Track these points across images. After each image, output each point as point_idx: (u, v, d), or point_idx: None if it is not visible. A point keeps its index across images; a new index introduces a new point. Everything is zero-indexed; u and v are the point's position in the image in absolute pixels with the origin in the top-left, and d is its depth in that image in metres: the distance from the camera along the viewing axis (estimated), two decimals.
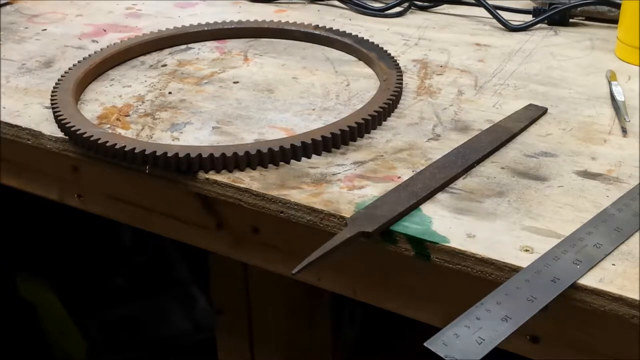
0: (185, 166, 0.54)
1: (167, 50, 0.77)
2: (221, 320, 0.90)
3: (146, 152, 0.54)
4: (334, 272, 0.55)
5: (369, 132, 0.59)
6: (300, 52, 0.76)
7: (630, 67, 0.70)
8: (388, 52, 0.71)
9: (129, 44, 0.75)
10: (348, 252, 0.47)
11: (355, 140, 0.58)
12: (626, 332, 0.43)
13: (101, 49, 0.74)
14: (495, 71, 0.70)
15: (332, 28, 0.77)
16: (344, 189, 0.51)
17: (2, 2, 0.93)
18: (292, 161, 0.55)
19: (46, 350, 1.25)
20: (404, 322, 0.58)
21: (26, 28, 0.85)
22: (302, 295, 0.86)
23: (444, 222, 0.48)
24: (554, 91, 0.66)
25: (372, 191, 0.51)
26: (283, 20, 0.80)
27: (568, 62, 0.72)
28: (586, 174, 0.53)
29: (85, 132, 0.57)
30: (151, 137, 0.59)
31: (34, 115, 0.64)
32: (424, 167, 0.53)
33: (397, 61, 0.69)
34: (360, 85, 0.68)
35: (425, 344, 0.39)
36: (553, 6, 0.81)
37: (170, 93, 0.67)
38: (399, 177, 0.52)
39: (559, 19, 0.81)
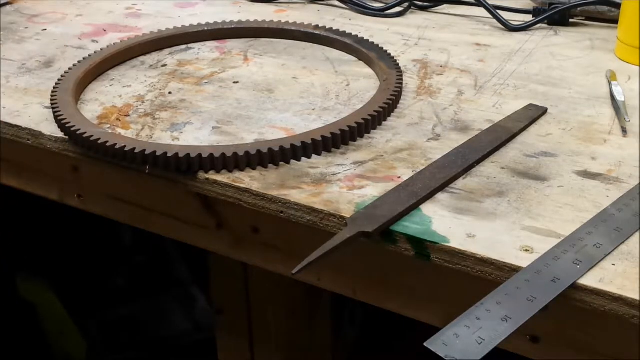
0: (185, 166, 0.54)
1: (167, 50, 0.77)
2: (221, 320, 0.90)
3: (146, 152, 0.54)
4: (334, 272, 0.55)
5: (369, 132, 0.59)
6: (300, 52, 0.76)
7: (630, 67, 0.70)
8: (388, 52, 0.71)
9: (129, 44, 0.75)
10: (348, 252, 0.47)
11: (355, 140, 0.58)
12: (626, 332, 0.43)
13: (101, 49, 0.74)
14: (495, 71, 0.70)
15: (332, 28, 0.77)
16: (344, 189, 0.51)
17: (2, 2, 0.93)
18: (292, 161, 0.55)
19: (46, 350, 1.25)
20: (404, 322, 0.58)
21: (26, 28, 0.85)
22: (302, 295, 0.86)
23: (444, 222, 0.48)
24: (554, 91, 0.66)
25: (372, 191, 0.51)
26: (283, 20, 0.80)
27: (568, 62, 0.72)
28: (586, 174, 0.53)
29: (85, 132, 0.57)
30: (151, 137, 0.59)
31: (34, 115, 0.64)
32: (424, 167, 0.53)
33: (397, 61, 0.69)
34: (360, 85, 0.68)
35: (425, 344, 0.39)
36: (553, 6, 0.81)
37: (170, 93, 0.67)
38: (399, 177, 0.52)
39: (559, 19, 0.81)
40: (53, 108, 0.62)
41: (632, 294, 0.41)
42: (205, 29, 0.79)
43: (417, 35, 0.80)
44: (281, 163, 0.55)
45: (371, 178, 0.53)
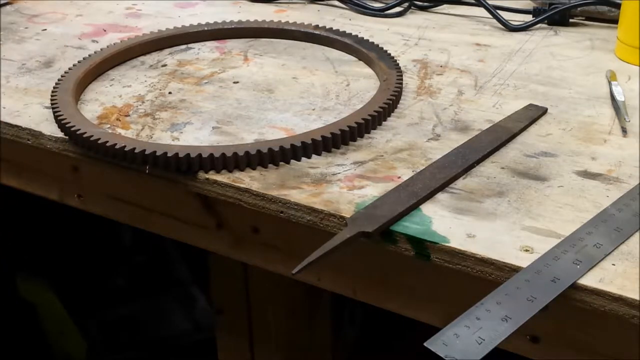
0: (185, 166, 0.54)
1: (167, 50, 0.77)
2: (221, 320, 0.90)
3: (146, 152, 0.54)
4: (334, 272, 0.55)
5: (369, 132, 0.59)
6: (300, 52, 0.76)
7: (630, 67, 0.70)
8: (388, 52, 0.71)
9: (129, 44, 0.75)
10: (348, 252, 0.47)
11: (355, 140, 0.58)
12: (626, 332, 0.43)
13: (101, 49, 0.74)
14: (495, 71, 0.70)
15: (332, 28, 0.77)
16: (344, 189, 0.51)
17: (2, 2, 0.93)
18: (292, 161, 0.55)
19: (46, 350, 1.25)
20: (404, 322, 0.58)
21: (26, 28, 0.85)
22: (302, 295, 0.86)
23: (444, 222, 0.48)
24: (554, 91, 0.66)
25: (372, 191, 0.51)
26: (283, 20, 0.80)
27: (568, 62, 0.72)
28: (586, 174, 0.53)
29: (85, 132, 0.57)
30: (151, 137, 0.59)
31: (34, 115, 0.64)
32: (424, 167, 0.53)
33: (397, 61, 0.69)
34: (360, 85, 0.68)
35: (425, 344, 0.39)
36: (553, 6, 0.81)
37: (170, 93, 0.67)
38: (399, 177, 0.52)
39: (559, 19, 0.81)
40: (53, 108, 0.62)
41: (632, 294, 0.41)
42: (205, 29, 0.79)
43: (417, 35, 0.80)
44: (281, 163, 0.55)
45: (371, 178, 0.53)
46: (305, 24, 0.79)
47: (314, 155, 0.56)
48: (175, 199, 0.60)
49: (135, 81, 0.70)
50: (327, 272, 0.55)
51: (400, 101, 0.64)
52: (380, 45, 0.73)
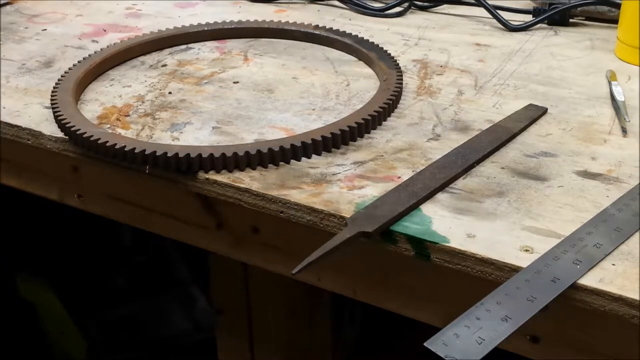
0: (185, 166, 0.54)
1: (167, 50, 0.77)
2: (221, 320, 0.90)
3: (146, 152, 0.54)
4: (334, 272, 0.55)
5: (369, 132, 0.59)
6: (300, 52, 0.76)
7: (630, 67, 0.70)
8: (388, 52, 0.71)
9: (129, 44, 0.75)
10: (348, 252, 0.47)
11: (355, 140, 0.58)
12: (626, 332, 0.43)
13: (101, 49, 0.74)
14: (495, 71, 0.70)
15: (332, 28, 0.77)
16: (344, 189, 0.51)
17: (2, 2, 0.93)
18: (292, 161, 0.55)
19: (46, 350, 1.25)
20: (404, 322, 0.58)
21: (26, 28, 0.85)
22: (302, 295, 0.86)
23: (444, 222, 0.48)
24: (554, 91, 0.66)
25: (372, 191, 0.51)
26: (283, 20, 0.80)
27: (568, 62, 0.72)
28: (586, 174, 0.53)
29: (85, 132, 0.57)
30: (151, 137, 0.59)
31: (34, 115, 0.64)
32: (424, 167, 0.53)
33: (397, 61, 0.69)
34: (360, 85, 0.68)
35: (425, 344, 0.39)
36: (553, 6, 0.81)
37: (170, 93, 0.67)
38: (399, 177, 0.52)
39: (559, 19, 0.81)
40: (53, 108, 0.62)
41: (632, 294, 0.41)
42: (205, 29, 0.79)
43: (417, 35, 0.80)
44: (281, 163, 0.55)
45: (371, 178, 0.53)
46: (305, 24, 0.79)
47: (314, 155, 0.56)
48: (175, 199, 0.60)
49: (135, 81, 0.70)
50: (327, 272, 0.55)
51: (400, 101, 0.64)
52: (380, 45, 0.73)
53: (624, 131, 0.58)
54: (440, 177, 0.52)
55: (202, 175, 0.54)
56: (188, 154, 0.54)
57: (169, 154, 0.54)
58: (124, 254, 1.31)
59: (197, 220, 0.59)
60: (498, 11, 0.82)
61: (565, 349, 0.47)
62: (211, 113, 0.63)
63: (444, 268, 0.46)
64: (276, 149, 0.54)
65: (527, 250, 0.45)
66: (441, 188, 0.51)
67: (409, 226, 0.47)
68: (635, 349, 0.44)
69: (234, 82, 0.69)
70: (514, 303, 0.41)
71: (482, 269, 0.45)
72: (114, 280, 1.30)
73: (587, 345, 0.46)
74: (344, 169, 0.54)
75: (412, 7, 0.88)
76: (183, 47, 0.77)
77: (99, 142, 0.56)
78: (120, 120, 0.62)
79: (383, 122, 0.60)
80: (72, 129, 0.58)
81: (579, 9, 0.81)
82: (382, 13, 0.86)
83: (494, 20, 0.82)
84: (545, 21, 0.81)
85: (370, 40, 0.74)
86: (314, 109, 0.63)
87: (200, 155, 0.54)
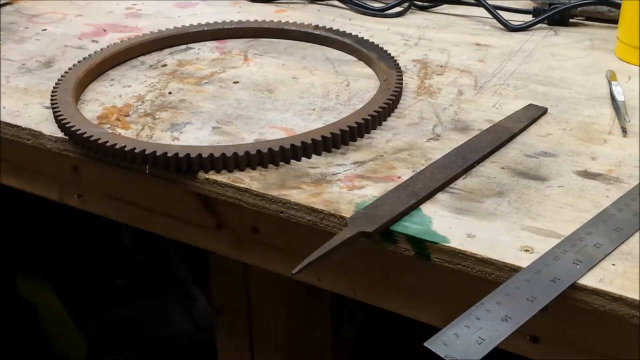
0: (185, 166, 0.54)
1: (167, 50, 0.77)
2: (221, 320, 0.90)
3: (146, 152, 0.54)
4: (334, 272, 0.55)
5: (369, 132, 0.59)
6: (300, 52, 0.76)
7: (630, 67, 0.70)
8: (388, 52, 0.71)
9: (129, 44, 0.75)
10: (348, 252, 0.47)
11: (355, 140, 0.58)
12: (626, 332, 0.43)
13: (101, 49, 0.74)
14: (495, 71, 0.70)
15: (332, 28, 0.77)
16: (344, 189, 0.51)
17: (2, 2, 0.93)
18: (292, 161, 0.55)
19: (46, 350, 1.25)
20: (404, 322, 0.58)
21: (26, 28, 0.85)
22: (302, 295, 0.86)
23: (444, 222, 0.48)
24: (554, 91, 0.66)
25: (372, 191, 0.51)
26: (283, 20, 0.80)
27: (568, 62, 0.72)
28: (586, 174, 0.53)
29: (85, 132, 0.57)
30: (151, 137, 0.59)
31: (34, 115, 0.64)
32: (424, 167, 0.53)
33: (397, 61, 0.69)
34: (360, 85, 0.68)
35: (425, 344, 0.39)
36: (553, 6, 0.81)
37: (170, 93, 0.67)
38: (399, 177, 0.52)
39: (559, 19, 0.81)
40: (53, 108, 0.62)
41: (632, 294, 0.41)
42: (205, 29, 0.79)
43: (417, 35, 0.80)
44: (281, 163, 0.55)
45: (371, 178, 0.53)
46: (305, 24, 0.79)
47: (314, 155, 0.56)
48: (175, 199, 0.60)
49: (135, 81, 0.70)
50: (327, 272, 0.55)
51: (400, 101, 0.64)
52: (380, 45, 0.73)
53: (624, 131, 0.58)
54: (440, 177, 0.52)
55: (202, 175, 0.54)
56: (188, 154, 0.54)
57: (169, 154, 0.54)
58: (124, 254, 1.31)
59: (197, 220, 0.59)
60: (498, 11, 0.82)
61: (565, 349, 0.47)
62: (211, 113, 0.63)
63: (444, 268, 0.46)
64: (276, 149, 0.54)
65: (527, 250, 0.45)
66: (441, 188, 0.51)
67: (409, 226, 0.47)
68: (635, 349, 0.44)
69: (234, 82, 0.69)
70: (514, 303, 0.41)
71: (482, 269, 0.45)
72: (114, 280, 1.30)
73: (587, 345, 0.46)
74: (344, 169, 0.54)
75: (412, 7, 0.88)
76: (183, 47, 0.77)
77: (99, 142, 0.56)
78: (120, 120, 0.62)
79: (383, 122, 0.60)
80: (72, 129, 0.58)
81: (579, 9, 0.81)
82: (382, 13, 0.86)
83: (494, 20, 0.82)
84: (545, 21, 0.81)
85: (370, 40, 0.74)
86: (314, 109, 0.63)
87: (200, 155, 0.54)
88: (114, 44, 0.75)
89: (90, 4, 0.93)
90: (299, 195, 0.51)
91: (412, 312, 0.53)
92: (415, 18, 0.85)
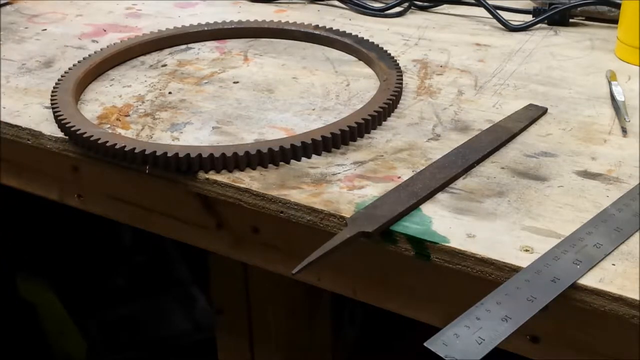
0: (185, 166, 0.54)
1: (167, 50, 0.77)
2: (221, 320, 0.90)
3: (146, 152, 0.54)
4: (334, 272, 0.55)
5: (369, 132, 0.59)
6: (300, 52, 0.76)
7: (630, 67, 0.70)
8: (388, 52, 0.71)
9: (129, 44, 0.75)
10: (348, 252, 0.47)
11: (355, 140, 0.58)
12: (626, 332, 0.43)
13: (101, 49, 0.74)
14: (495, 71, 0.70)
15: (332, 28, 0.77)
16: (344, 189, 0.51)
17: (2, 2, 0.93)
18: (292, 161, 0.55)
19: (46, 350, 1.25)
20: (404, 322, 0.58)
21: (26, 28, 0.85)
22: (302, 295, 0.86)
23: (444, 222, 0.48)
24: (554, 91, 0.66)
25: (372, 191, 0.51)
26: (283, 20, 0.80)
27: (568, 62, 0.72)
28: (586, 174, 0.53)
29: (85, 132, 0.57)
30: (151, 137, 0.59)
31: (34, 115, 0.64)
32: (424, 167, 0.53)
33: (397, 61, 0.69)
34: (360, 85, 0.68)
35: (425, 344, 0.39)
36: (553, 6, 0.81)
37: (170, 93, 0.67)
38: (399, 177, 0.52)
39: (559, 19, 0.81)
40: (53, 108, 0.62)
41: (632, 294, 0.41)
42: (205, 29, 0.79)
43: (417, 35, 0.80)
44: (281, 163, 0.55)
45: (371, 178, 0.53)
46: (305, 24, 0.79)
47: (314, 155, 0.56)
48: (175, 199, 0.60)
49: (135, 81, 0.70)
50: (327, 272, 0.55)
51: (400, 101, 0.64)
52: (380, 45, 0.73)
53: (624, 131, 0.58)
54: (440, 177, 0.52)
55: (202, 175, 0.54)
56: (188, 154, 0.54)
57: (169, 154, 0.54)
58: (124, 254, 1.31)
59: (197, 220, 0.59)
60: (498, 11, 0.82)
61: (565, 349, 0.47)
62: (211, 113, 0.63)
63: (444, 268, 0.46)
64: (276, 149, 0.54)
65: (527, 250, 0.45)
66: (441, 188, 0.51)
67: (409, 226, 0.47)
68: (635, 349, 0.44)
69: (234, 82, 0.69)
70: (514, 303, 0.41)
71: (482, 269, 0.45)
72: (114, 280, 1.30)
73: (587, 345, 0.46)
74: (344, 169, 0.54)
75: (412, 7, 0.88)
76: (183, 47, 0.77)
77: (99, 142, 0.56)
78: (120, 120, 0.62)
79: (383, 122, 0.60)
80: (72, 129, 0.58)
81: (579, 9, 0.81)
82: (382, 13, 0.86)
83: (494, 20, 0.82)
84: (545, 21, 0.81)
85: (370, 40, 0.74)
86: (314, 109, 0.63)
87: (200, 155, 0.54)
88: (114, 44, 0.75)
89: (90, 4, 0.93)
90: (299, 195, 0.51)
91: (412, 312, 0.53)
92: (415, 18, 0.85)
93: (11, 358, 1.22)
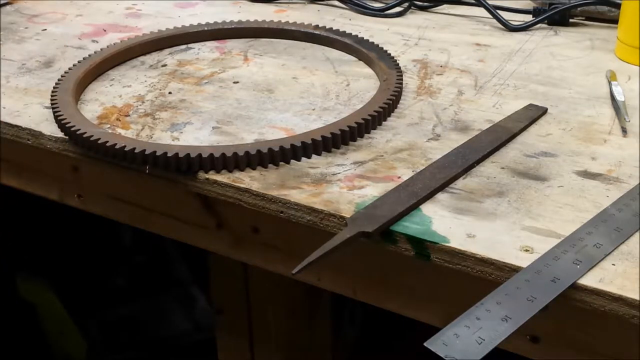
0: (185, 166, 0.54)
1: (167, 50, 0.77)
2: (221, 320, 0.90)
3: (146, 152, 0.54)
4: (334, 272, 0.55)
5: (369, 132, 0.59)
6: (300, 52, 0.76)
7: (630, 67, 0.70)
8: (388, 52, 0.71)
9: (129, 44, 0.75)
10: (348, 252, 0.47)
11: (355, 140, 0.58)
12: (626, 332, 0.43)
13: (101, 49, 0.74)
14: (495, 71, 0.70)
15: (332, 28, 0.77)
16: (344, 189, 0.51)
17: (2, 2, 0.93)
18: (292, 161, 0.55)
19: (46, 350, 1.25)
20: (404, 322, 0.58)
21: (26, 28, 0.85)
22: (302, 295, 0.86)
23: (444, 222, 0.48)
24: (554, 91, 0.66)
25: (372, 191, 0.51)
26: (283, 20, 0.80)
27: (568, 62, 0.72)
28: (586, 174, 0.53)
29: (85, 132, 0.57)
30: (151, 137, 0.59)
31: (34, 115, 0.64)
32: (424, 167, 0.53)
33: (397, 61, 0.69)
34: (360, 85, 0.68)
35: (425, 344, 0.39)
36: (553, 6, 0.81)
37: (170, 93, 0.67)
38: (399, 177, 0.52)
39: (559, 19, 0.81)
40: (53, 108, 0.62)
41: (632, 294, 0.41)
42: (205, 29, 0.79)
43: (417, 35, 0.80)
44: (281, 163, 0.55)
45: (371, 178, 0.53)
46: (305, 24, 0.79)
47: (314, 155, 0.56)
48: (175, 199, 0.60)
49: (135, 81, 0.70)
50: (327, 272, 0.55)
51: (400, 101, 0.64)
52: (380, 45, 0.73)
53: (624, 131, 0.58)
54: (440, 177, 0.52)
55: (202, 175, 0.54)
56: (188, 154, 0.54)
57: (169, 154, 0.54)
58: (124, 254, 1.31)
59: (197, 220, 0.59)
60: (498, 11, 0.82)
61: (565, 349, 0.47)
62: (211, 113, 0.63)
63: (444, 268, 0.46)
64: (276, 149, 0.54)
65: (527, 250, 0.45)
66: (441, 188, 0.51)
67: (409, 226, 0.47)
68: (635, 349, 0.44)
69: (234, 82, 0.69)
70: (514, 303, 0.41)
71: (482, 269, 0.45)
72: (114, 280, 1.30)
73: (587, 345, 0.46)
74: (344, 169, 0.54)
75: (412, 7, 0.88)
76: (183, 47, 0.77)
77: (99, 142, 0.56)
78: (120, 120, 0.62)
79: (383, 122, 0.60)
80: (72, 129, 0.58)
81: (579, 9, 0.81)
82: (382, 13, 0.86)
83: (494, 20, 0.82)
84: (545, 21, 0.81)
85: (370, 40, 0.74)
86: (314, 109, 0.63)
87: (200, 155, 0.54)
88: (114, 44, 0.75)
89: (90, 4, 0.93)
90: (299, 195, 0.51)
91: (412, 312, 0.53)
92: (415, 18, 0.85)
93: (11, 358, 1.22)
